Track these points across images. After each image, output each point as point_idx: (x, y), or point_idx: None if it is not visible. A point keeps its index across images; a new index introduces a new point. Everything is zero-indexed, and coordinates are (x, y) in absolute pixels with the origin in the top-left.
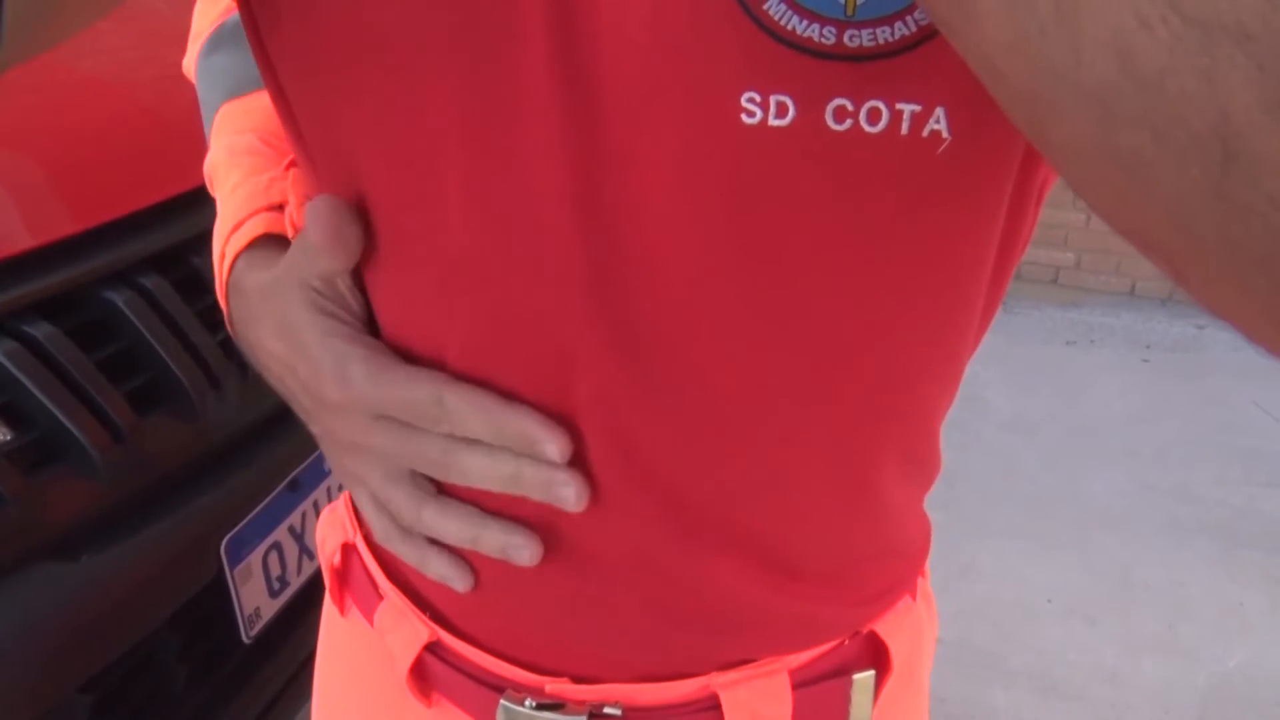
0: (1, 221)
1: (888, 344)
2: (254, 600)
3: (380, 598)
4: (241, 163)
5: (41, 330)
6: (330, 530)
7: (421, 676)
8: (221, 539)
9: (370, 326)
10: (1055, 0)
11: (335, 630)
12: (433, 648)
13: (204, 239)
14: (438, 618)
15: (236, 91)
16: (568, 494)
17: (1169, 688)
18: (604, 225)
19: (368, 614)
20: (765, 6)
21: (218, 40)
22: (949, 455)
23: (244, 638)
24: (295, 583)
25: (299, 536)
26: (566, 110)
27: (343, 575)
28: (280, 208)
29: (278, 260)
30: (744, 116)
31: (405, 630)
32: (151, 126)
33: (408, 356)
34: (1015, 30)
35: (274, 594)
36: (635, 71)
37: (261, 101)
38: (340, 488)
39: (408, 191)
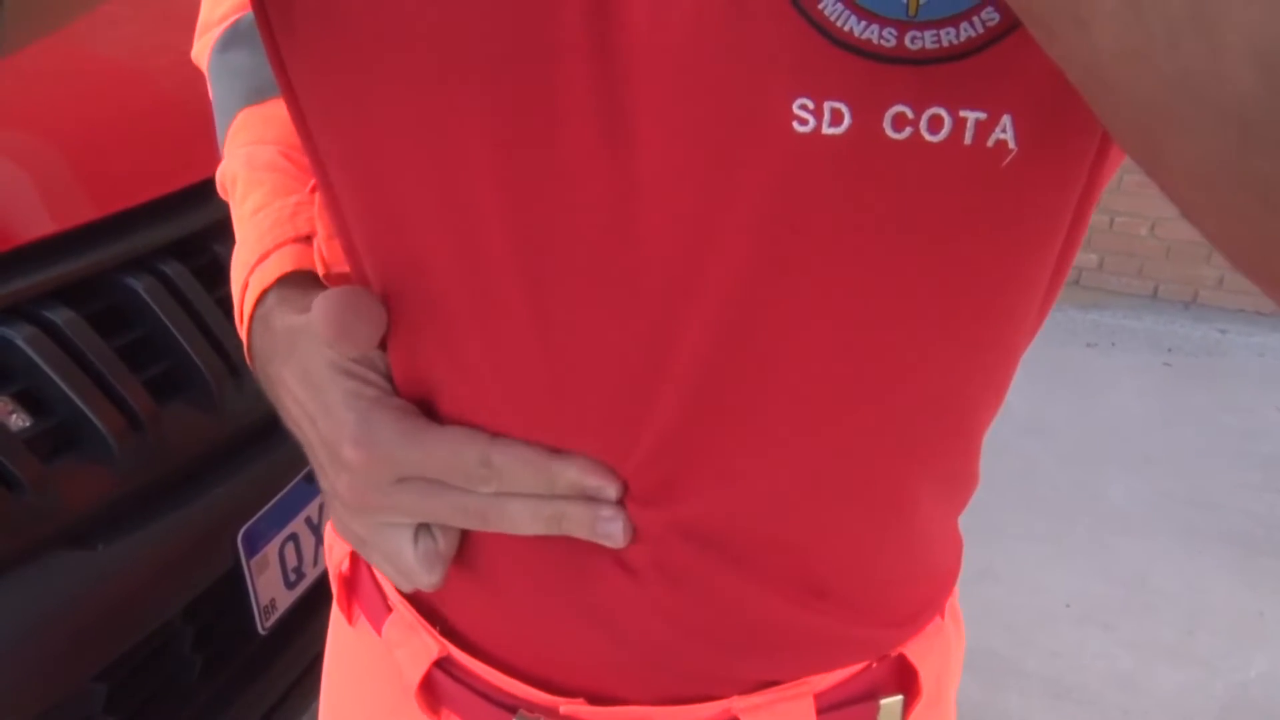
0: (23, 207)
1: (936, 362)
2: (270, 591)
3: (389, 610)
4: (262, 180)
5: (62, 316)
6: (338, 538)
7: (431, 692)
8: (238, 529)
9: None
10: (1190, 1)
11: (343, 638)
12: (443, 663)
13: (225, 226)
14: (449, 632)
15: (256, 94)
16: (614, 530)
17: (1186, 696)
18: (643, 239)
19: (376, 625)
20: (820, 6)
21: (234, 35)
22: None
23: (260, 629)
24: (311, 574)
25: (316, 528)
26: (606, 120)
27: (351, 583)
28: (308, 239)
29: (309, 298)
30: (796, 125)
31: (414, 644)
32: (172, 113)
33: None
34: (1138, 36)
35: (290, 585)
36: (677, 77)
37: (283, 109)
38: None
39: (436, 206)
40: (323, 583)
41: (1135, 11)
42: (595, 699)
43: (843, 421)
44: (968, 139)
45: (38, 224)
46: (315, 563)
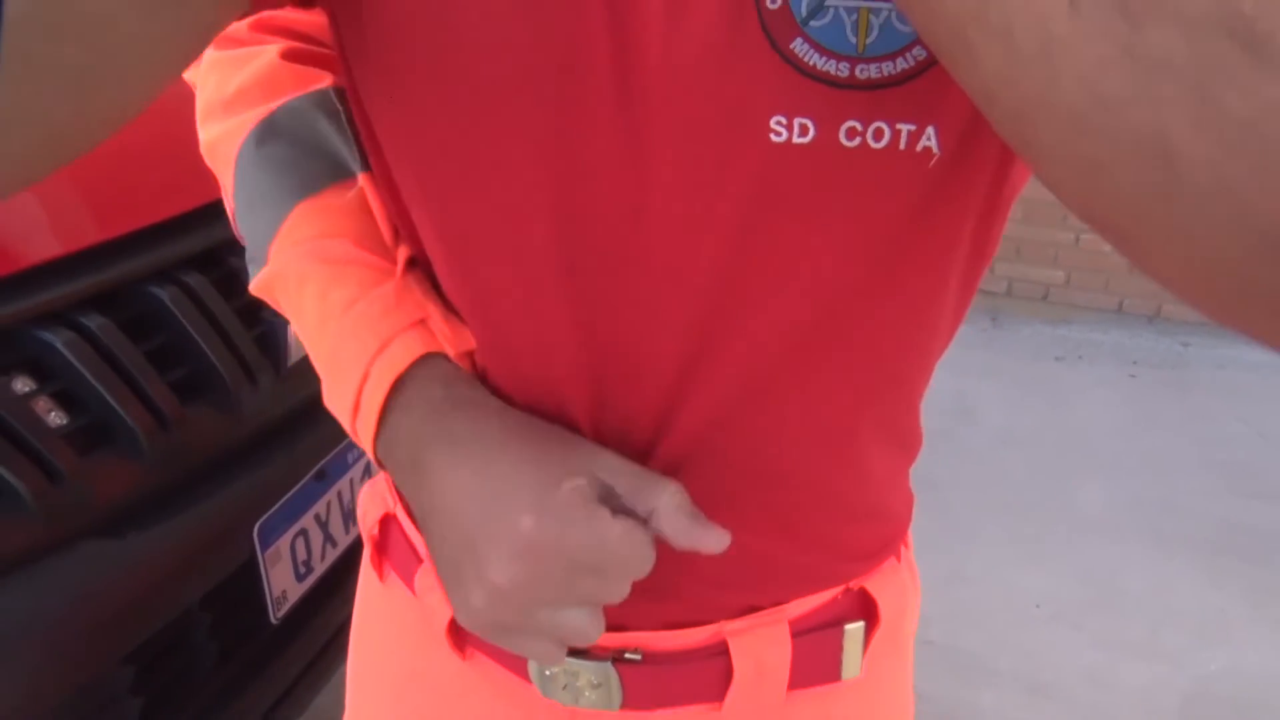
0: (63, 221)
1: (874, 324)
2: (282, 583)
3: (420, 561)
4: (346, 274)
5: (96, 322)
6: (371, 504)
7: (458, 632)
8: (254, 523)
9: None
10: (1039, 43)
11: (372, 596)
12: None
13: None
14: None
15: (307, 186)
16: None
17: (1152, 690)
18: (651, 224)
19: (407, 579)
20: (791, 45)
21: (270, 129)
22: (941, 466)
23: (272, 618)
24: (319, 568)
25: (324, 525)
26: (626, 130)
27: (382, 545)
28: (421, 323)
29: (464, 389)
30: (772, 135)
31: (443, 590)
32: (193, 135)
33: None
34: (1007, 65)
35: (300, 578)
36: (684, 100)
37: (342, 200)
38: (368, 472)
39: (489, 208)
40: (328, 576)
41: (1005, 49)
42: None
43: (807, 375)
44: (902, 145)
45: (77, 236)
46: (322, 557)
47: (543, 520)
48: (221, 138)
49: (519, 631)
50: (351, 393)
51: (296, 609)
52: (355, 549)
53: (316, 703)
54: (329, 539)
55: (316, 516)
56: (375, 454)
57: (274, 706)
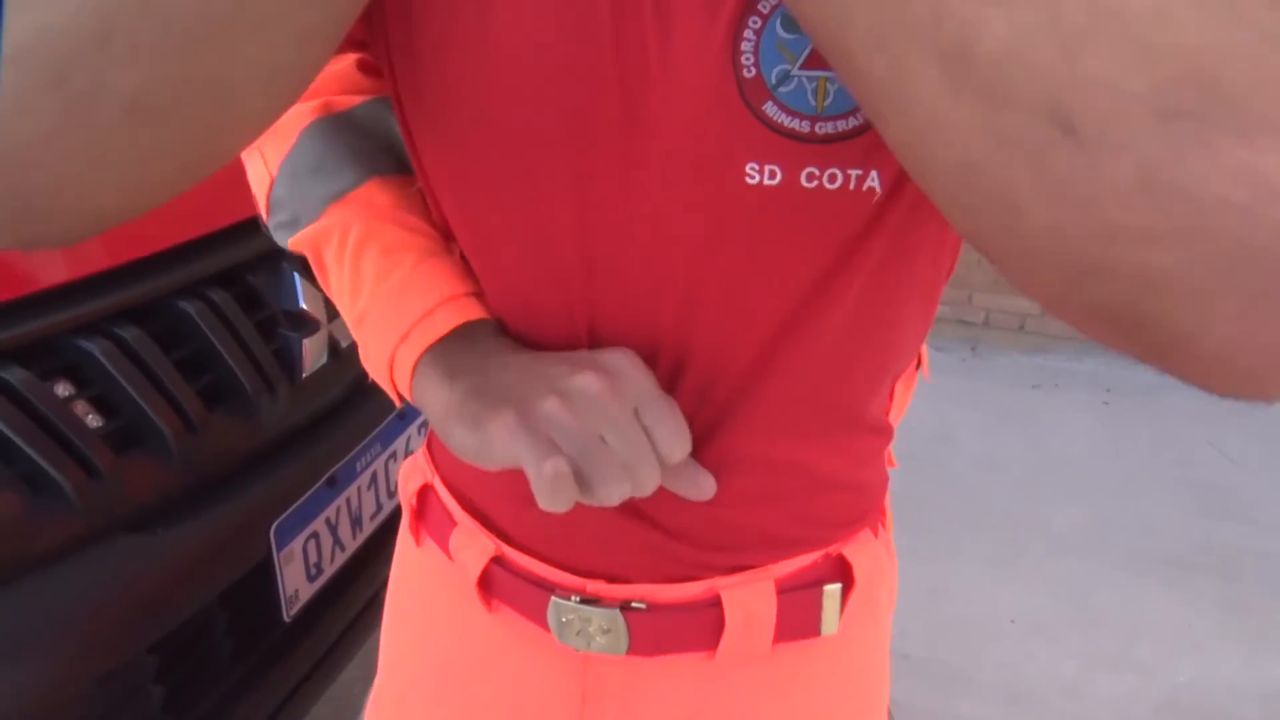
0: (100, 241)
1: (830, 328)
2: (294, 582)
3: (454, 524)
4: (416, 243)
5: (130, 332)
6: (411, 476)
7: (487, 586)
8: (271, 524)
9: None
10: (931, 118)
11: (409, 560)
12: (498, 560)
13: (260, 261)
14: (502, 535)
15: (380, 168)
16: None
17: (1125, 700)
18: (640, 239)
19: (442, 542)
20: (763, 107)
21: (348, 120)
22: (923, 489)
23: (285, 616)
24: (328, 570)
25: (334, 528)
26: (629, 167)
27: (420, 512)
28: (473, 294)
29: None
30: (748, 179)
31: (475, 547)
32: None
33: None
34: (909, 132)
35: (311, 579)
36: (677, 149)
37: (413, 186)
38: (375, 482)
39: (522, 227)
40: (336, 579)
41: (909, 119)
42: (612, 579)
43: (778, 370)
44: (851, 186)
45: (114, 253)
46: (332, 560)
47: (636, 362)
48: (287, 114)
49: (556, 452)
50: (408, 322)
51: (307, 609)
52: (361, 553)
53: (316, 712)
54: (338, 543)
55: (327, 520)
56: (415, 365)
57: (282, 703)
